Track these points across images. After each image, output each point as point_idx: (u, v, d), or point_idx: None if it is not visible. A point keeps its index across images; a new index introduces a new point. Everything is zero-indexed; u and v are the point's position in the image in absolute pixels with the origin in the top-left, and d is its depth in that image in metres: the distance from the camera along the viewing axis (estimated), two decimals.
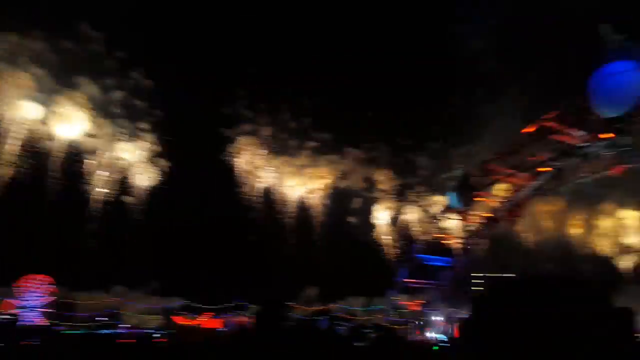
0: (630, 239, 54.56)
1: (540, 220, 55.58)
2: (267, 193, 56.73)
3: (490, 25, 46.82)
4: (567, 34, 41.86)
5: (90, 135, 47.59)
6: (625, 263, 54.87)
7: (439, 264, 43.39)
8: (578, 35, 36.02)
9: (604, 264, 53.98)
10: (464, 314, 39.85)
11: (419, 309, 42.46)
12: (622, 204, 53.57)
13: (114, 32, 46.37)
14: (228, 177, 54.97)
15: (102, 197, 48.84)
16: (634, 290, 41.17)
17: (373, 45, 56.16)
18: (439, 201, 50.77)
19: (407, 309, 42.96)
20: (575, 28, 39.30)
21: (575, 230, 56.14)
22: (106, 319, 42.88)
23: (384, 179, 57.98)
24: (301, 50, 56.02)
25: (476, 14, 48.81)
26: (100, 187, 48.73)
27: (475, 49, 49.12)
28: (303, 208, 57.77)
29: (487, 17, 47.67)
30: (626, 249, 54.95)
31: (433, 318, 41.26)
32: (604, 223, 55.49)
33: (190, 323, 44.08)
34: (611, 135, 29.65)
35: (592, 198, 50.29)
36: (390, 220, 57.83)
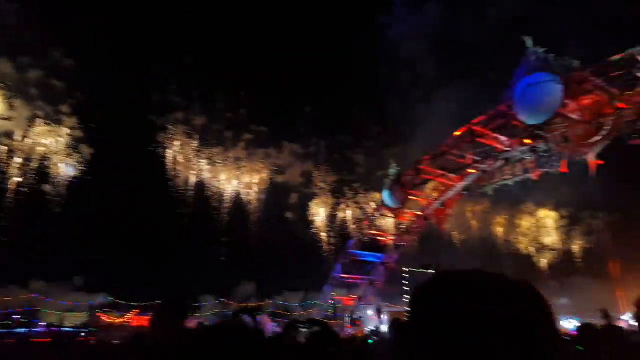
0: (548, 238, 59.14)
1: (467, 219, 58.70)
2: (200, 186, 55.14)
3: (425, 28, 48.51)
4: (494, 43, 44.41)
5: (3, 118, 43.64)
6: (543, 260, 59.36)
7: (372, 259, 44.42)
8: (505, 45, 38.17)
9: (524, 260, 58.12)
10: (396, 308, 41.15)
11: (353, 303, 43.25)
12: (542, 205, 57.90)
13: (31, 3, 42.63)
14: (157, 167, 52.78)
15: (18, 186, 45.04)
16: (550, 286, 44.72)
17: (311, 42, 56.31)
18: (375, 198, 51.95)
19: (342, 304, 43.58)
20: (502, 37, 41.72)
21: (498, 228, 59.93)
22: (19, 317, 39.44)
23: (320, 174, 58.41)
24: (240, 42, 54.89)
25: (413, 17, 50.39)
26: (15, 175, 44.86)
27: (411, 51, 50.78)
28: (238, 202, 56.77)
29: (422, 21, 49.36)
30: (544, 247, 59.47)
31: (366, 312, 42.20)
32: (525, 223, 59.70)
33: (117, 320, 41.81)
34: (531, 141, 31.48)
35: (514, 199, 53.79)
36: (326, 216, 58.39)
